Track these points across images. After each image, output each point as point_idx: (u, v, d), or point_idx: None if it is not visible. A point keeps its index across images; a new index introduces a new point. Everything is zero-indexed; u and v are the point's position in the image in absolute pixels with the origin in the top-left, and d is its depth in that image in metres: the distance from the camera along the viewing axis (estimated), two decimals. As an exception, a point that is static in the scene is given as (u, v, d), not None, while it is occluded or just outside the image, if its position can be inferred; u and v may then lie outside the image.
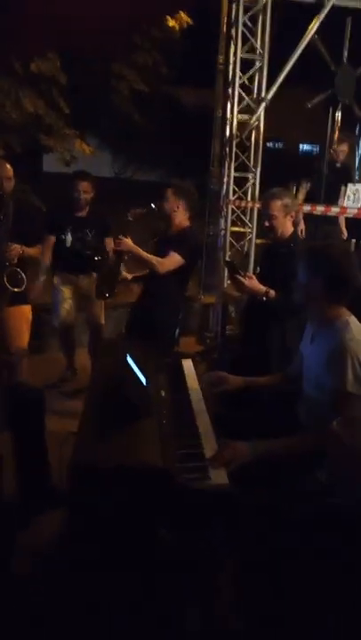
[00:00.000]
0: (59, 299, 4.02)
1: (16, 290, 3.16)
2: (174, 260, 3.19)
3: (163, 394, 2.30)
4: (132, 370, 2.19)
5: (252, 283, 2.89)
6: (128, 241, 3.20)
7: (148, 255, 3.22)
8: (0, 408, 2.51)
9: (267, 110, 5.08)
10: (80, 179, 3.85)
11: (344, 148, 5.25)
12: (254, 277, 2.92)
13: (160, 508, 1.71)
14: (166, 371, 2.59)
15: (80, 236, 3.90)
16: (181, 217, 3.33)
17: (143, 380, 2.21)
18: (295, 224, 3.09)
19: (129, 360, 2.23)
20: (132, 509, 1.70)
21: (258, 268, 3.49)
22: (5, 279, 3.11)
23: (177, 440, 1.98)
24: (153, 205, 3.27)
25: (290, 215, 3.01)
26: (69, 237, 3.88)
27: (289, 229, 3.05)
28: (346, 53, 4.89)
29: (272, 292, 2.87)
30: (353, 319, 2.05)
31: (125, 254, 3.26)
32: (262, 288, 2.89)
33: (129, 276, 3.39)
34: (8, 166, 3.24)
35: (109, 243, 3.79)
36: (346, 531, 1.81)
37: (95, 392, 2.25)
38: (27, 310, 3.43)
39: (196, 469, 1.82)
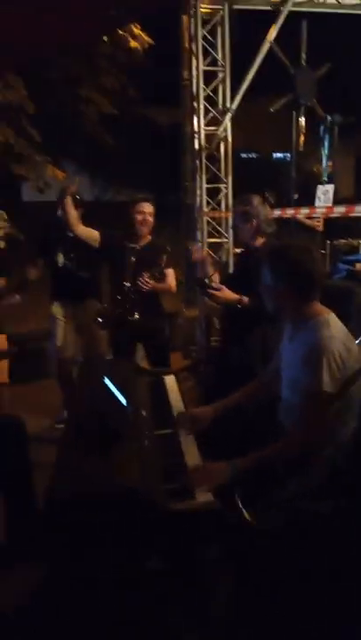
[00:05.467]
0: (55, 329, 3.88)
1: None
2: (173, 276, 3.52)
3: (144, 413, 2.23)
4: (110, 391, 2.13)
5: (224, 293, 2.88)
6: (151, 282, 3.36)
7: (162, 285, 3.47)
8: None
9: (236, 122, 5.10)
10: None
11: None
12: (225, 288, 2.89)
13: (146, 533, 1.64)
14: (148, 389, 2.53)
15: (72, 255, 3.78)
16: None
17: (123, 400, 2.14)
18: (261, 232, 3.04)
19: (107, 381, 2.16)
20: (115, 538, 1.63)
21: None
22: None
23: (160, 461, 1.92)
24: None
25: (250, 223, 2.98)
26: (61, 258, 3.79)
27: (252, 238, 3.03)
28: (304, 56, 4.93)
29: (245, 299, 2.86)
30: (333, 316, 2.01)
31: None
32: (235, 297, 2.87)
33: None
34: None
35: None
36: (322, 536, 1.76)
37: (73, 417, 2.17)
38: (2, 339, 3.35)
39: (180, 490, 1.75)
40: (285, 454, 1.90)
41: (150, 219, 3.53)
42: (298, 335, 2.07)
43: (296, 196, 4.95)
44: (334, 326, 1.96)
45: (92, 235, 3.51)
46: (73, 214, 3.46)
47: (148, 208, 3.53)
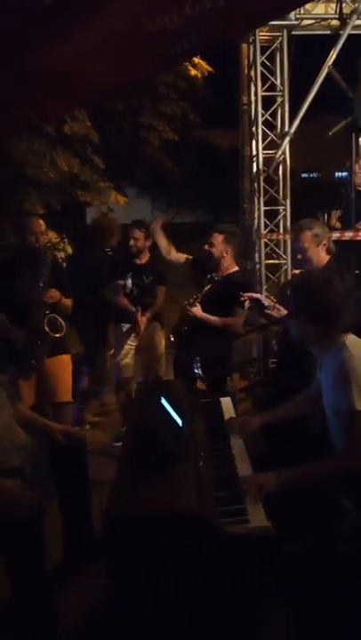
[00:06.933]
0: (117, 349, 4.03)
1: (57, 335, 3.22)
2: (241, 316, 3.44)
3: (200, 435, 2.26)
4: (166, 412, 2.17)
5: (282, 314, 2.88)
6: (198, 309, 3.40)
7: (219, 319, 3.43)
8: (44, 457, 2.52)
9: (295, 144, 5.12)
10: (133, 227, 3.97)
11: None
12: (283, 309, 2.89)
13: (199, 555, 1.65)
14: (204, 410, 2.56)
15: (137, 282, 3.95)
16: (230, 261, 3.52)
17: (179, 421, 2.17)
18: (330, 252, 3.04)
19: (163, 402, 2.21)
20: (169, 559, 1.65)
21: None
22: (45, 325, 3.18)
23: (215, 483, 1.93)
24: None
25: (322, 244, 2.98)
26: (129, 283, 3.96)
27: (324, 258, 3.02)
28: (362, 79, 4.93)
29: None
30: (350, 337, 2.06)
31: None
32: None
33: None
34: (41, 221, 3.37)
35: (161, 291, 3.96)
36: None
37: (130, 437, 2.23)
38: (67, 359, 3.47)
39: (234, 512, 1.76)
40: (331, 472, 1.94)
41: (213, 250, 3.49)
42: (324, 363, 2.13)
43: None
44: (352, 346, 2.01)
45: (180, 258, 3.80)
46: (163, 243, 3.73)
47: (213, 238, 3.50)
